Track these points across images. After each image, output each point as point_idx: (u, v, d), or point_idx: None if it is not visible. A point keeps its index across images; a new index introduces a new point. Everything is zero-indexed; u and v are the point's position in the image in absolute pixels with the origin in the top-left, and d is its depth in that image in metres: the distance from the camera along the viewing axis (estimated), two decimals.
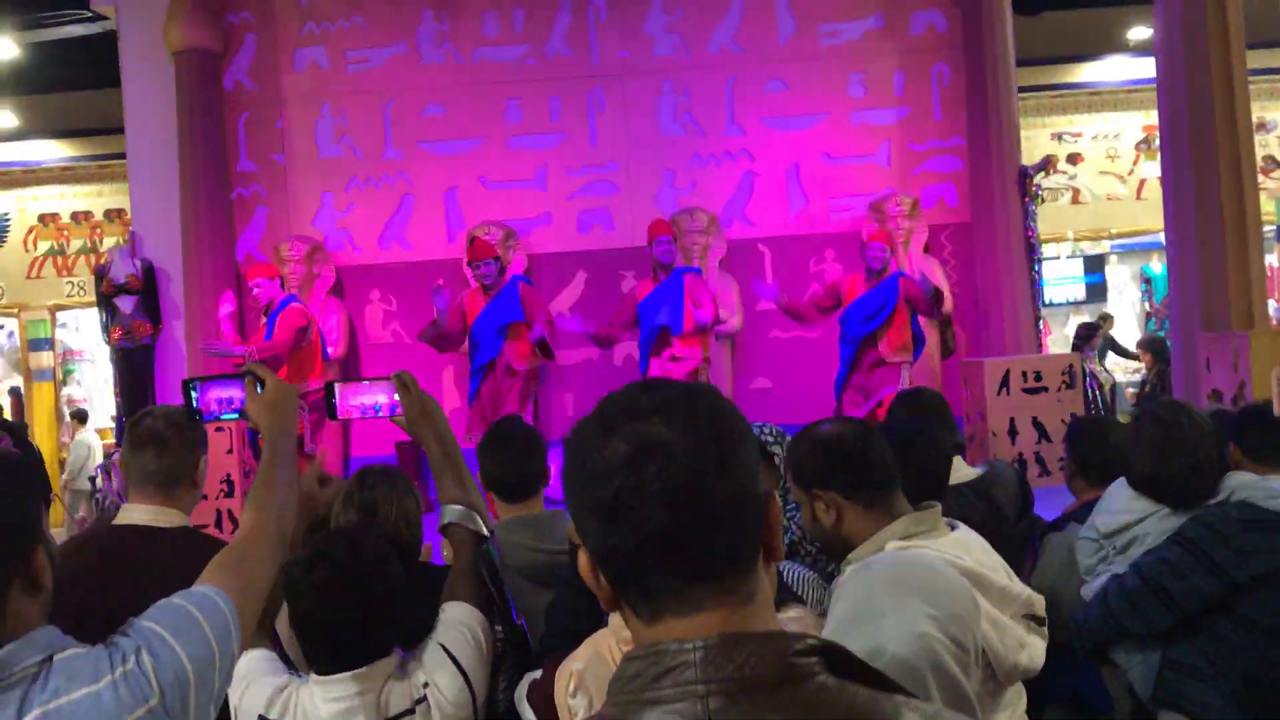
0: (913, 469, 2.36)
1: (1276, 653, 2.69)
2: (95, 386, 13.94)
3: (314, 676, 2.07)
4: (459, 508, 2.39)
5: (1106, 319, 13.00)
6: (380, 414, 2.47)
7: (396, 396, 2.43)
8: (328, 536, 2.27)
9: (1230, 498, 2.85)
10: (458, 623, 2.22)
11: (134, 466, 2.69)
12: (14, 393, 13.66)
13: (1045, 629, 2.10)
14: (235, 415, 2.28)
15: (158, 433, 2.65)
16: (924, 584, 1.77)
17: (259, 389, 2.19)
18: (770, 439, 3.28)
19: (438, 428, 2.44)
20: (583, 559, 1.12)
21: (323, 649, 2.08)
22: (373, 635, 2.11)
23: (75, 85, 12.72)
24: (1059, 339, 13.63)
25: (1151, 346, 9.96)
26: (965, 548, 2.08)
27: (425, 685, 2.10)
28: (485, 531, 2.40)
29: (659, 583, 1.06)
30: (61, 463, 12.52)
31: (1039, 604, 2.09)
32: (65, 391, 13.71)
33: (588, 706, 1.95)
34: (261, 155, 9.66)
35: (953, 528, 2.17)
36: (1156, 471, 2.88)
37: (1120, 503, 2.98)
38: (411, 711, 2.08)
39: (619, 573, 1.09)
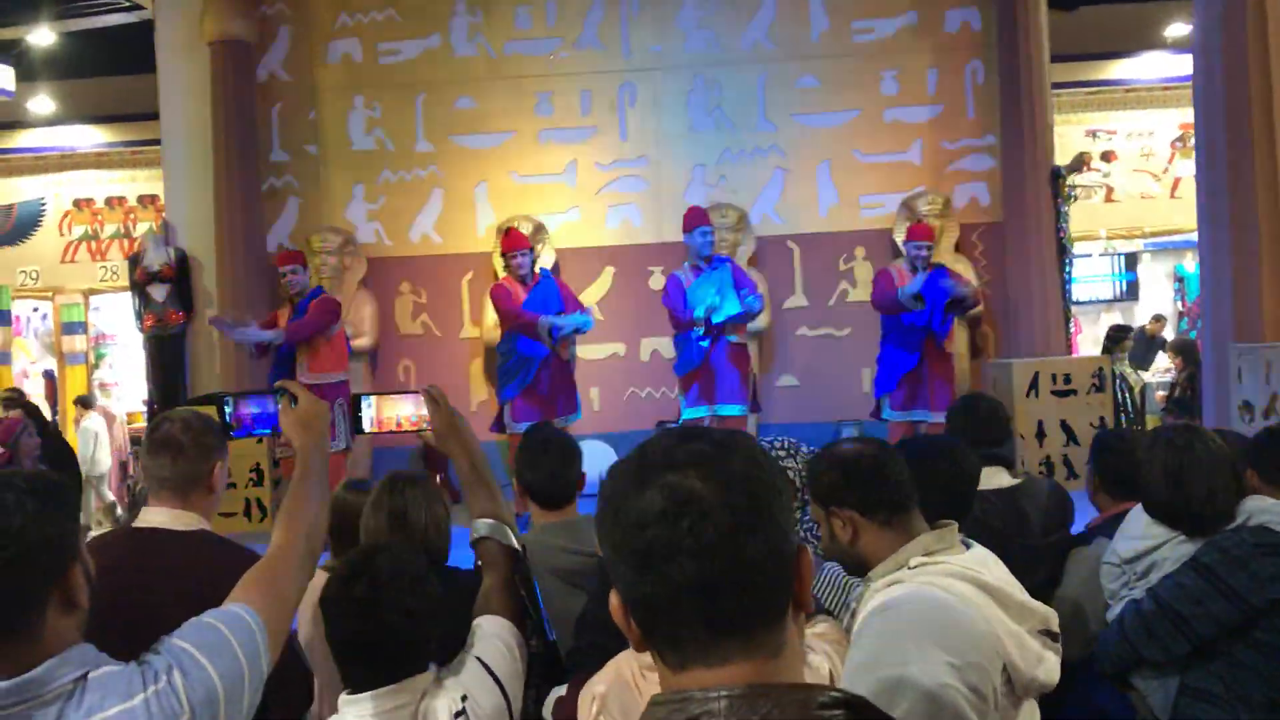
0: (933, 487, 2.36)
1: None
2: (127, 370, 14.05)
3: (344, 697, 2.07)
4: (491, 521, 2.40)
5: (1159, 319, 12.90)
6: (409, 427, 2.47)
7: (424, 410, 2.43)
8: (366, 551, 2.27)
9: (1247, 522, 2.84)
10: (494, 636, 2.23)
11: (151, 471, 2.72)
12: (47, 375, 13.80)
13: (1059, 644, 2.10)
14: (268, 430, 2.32)
15: (173, 438, 2.67)
16: (945, 632, 1.77)
17: (292, 405, 2.23)
18: (783, 453, 3.29)
19: (467, 443, 2.45)
20: (614, 600, 1.13)
21: (361, 666, 2.08)
22: (411, 651, 2.11)
23: (111, 71, 12.81)
24: (1090, 338, 13.52)
25: (1182, 349, 9.89)
26: (983, 563, 2.09)
27: (464, 699, 2.10)
28: (517, 545, 2.40)
29: (688, 635, 1.08)
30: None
31: (1054, 620, 2.09)
32: (97, 375, 13.84)
33: None
34: (294, 146, 9.72)
35: (967, 546, 2.16)
36: (1172, 499, 2.87)
37: (1139, 529, 2.97)
38: None
39: (648, 621, 1.10)
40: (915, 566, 2.08)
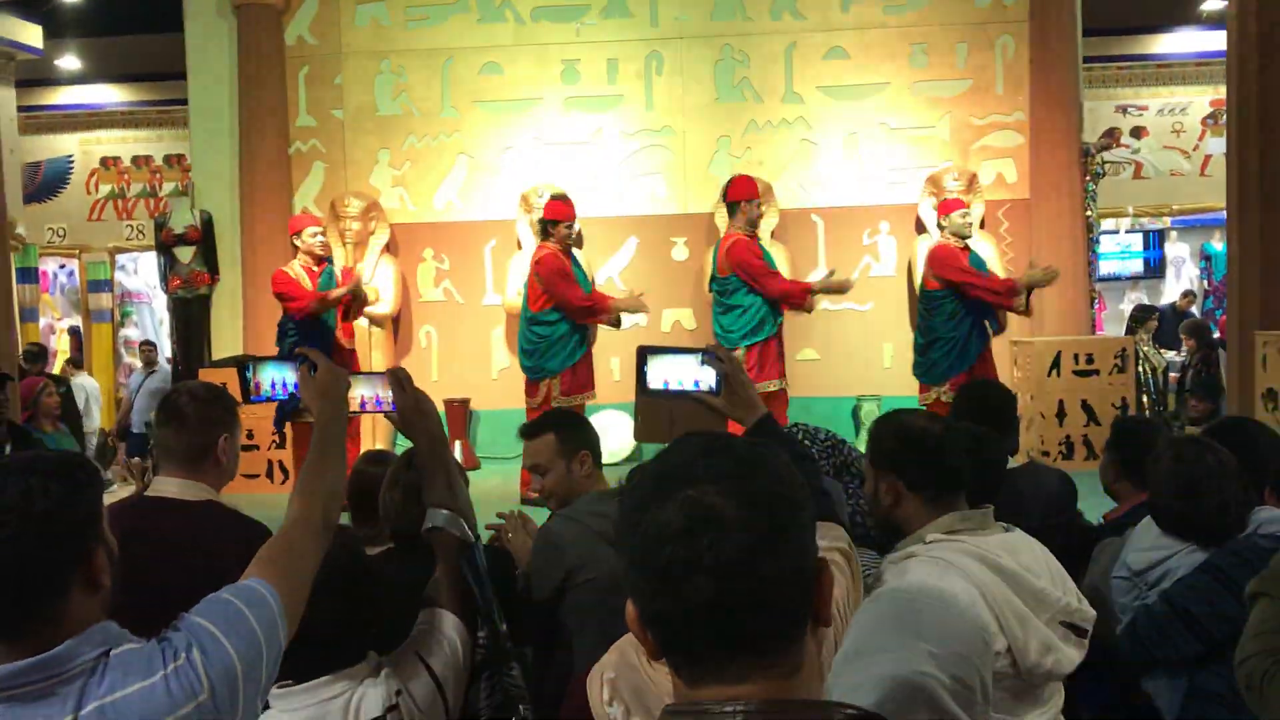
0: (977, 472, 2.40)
1: None
2: (152, 329, 14.18)
3: (275, 690, 2.00)
4: (445, 512, 2.33)
5: (1189, 295, 12.81)
6: (373, 408, 2.42)
7: (389, 392, 2.38)
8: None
9: (1258, 530, 2.87)
10: (435, 630, 2.21)
11: (160, 441, 2.77)
12: (73, 332, 13.93)
13: (1085, 639, 2.11)
14: (288, 397, 2.32)
15: (180, 409, 2.70)
16: (929, 621, 1.76)
17: (312, 373, 2.23)
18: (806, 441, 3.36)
19: (430, 428, 2.39)
20: (630, 611, 1.12)
21: (299, 655, 2.01)
22: (350, 641, 2.11)
23: (138, 29, 12.83)
24: (1114, 315, 13.45)
25: (1195, 331, 9.82)
26: (1012, 549, 2.12)
27: (398, 693, 2.09)
28: (471, 538, 2.33)
29: (704, 652, 1.07)
30: (118, 402, 12.79)
31: (1081, 615, 2.11)
32: (123, 333, 13.96)
33: (625, 714, 1.98)
34: (320, 110, 9.72)
35: (1008, 530, 2.21)
36: (1185, 511, 2.90)
37: (1149, 540, 3.00)
38: (383, 718, 2.07)
39: (665, 636, 1.09)
40: (930, 542, 2.12)
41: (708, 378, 2.20)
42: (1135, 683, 3.00)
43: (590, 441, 3.18)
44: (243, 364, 2.40)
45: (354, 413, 2.41)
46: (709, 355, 2.21)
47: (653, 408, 2.27)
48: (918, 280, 8.98)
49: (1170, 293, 13.69)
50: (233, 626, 1.65)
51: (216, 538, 2.56)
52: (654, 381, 2.21)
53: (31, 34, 12.01)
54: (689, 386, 2.20)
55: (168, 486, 2.68)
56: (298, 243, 7.68)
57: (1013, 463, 3.66)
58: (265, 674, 1.69)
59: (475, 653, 2.30)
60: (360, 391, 2.43)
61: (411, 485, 3.03)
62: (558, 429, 3.18)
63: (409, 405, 2.37)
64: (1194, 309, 12.75)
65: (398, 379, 2.37)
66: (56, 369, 13.10)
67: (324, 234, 7.86)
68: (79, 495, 1.59)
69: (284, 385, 2.36)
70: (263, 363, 2.39)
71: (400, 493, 3.03)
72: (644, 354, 2.22)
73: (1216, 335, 10.95)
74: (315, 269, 7.60)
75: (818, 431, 3.40)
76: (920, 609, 1.81)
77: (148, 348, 11.91)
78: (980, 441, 2.84)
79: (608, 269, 9.40)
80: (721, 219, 9.03)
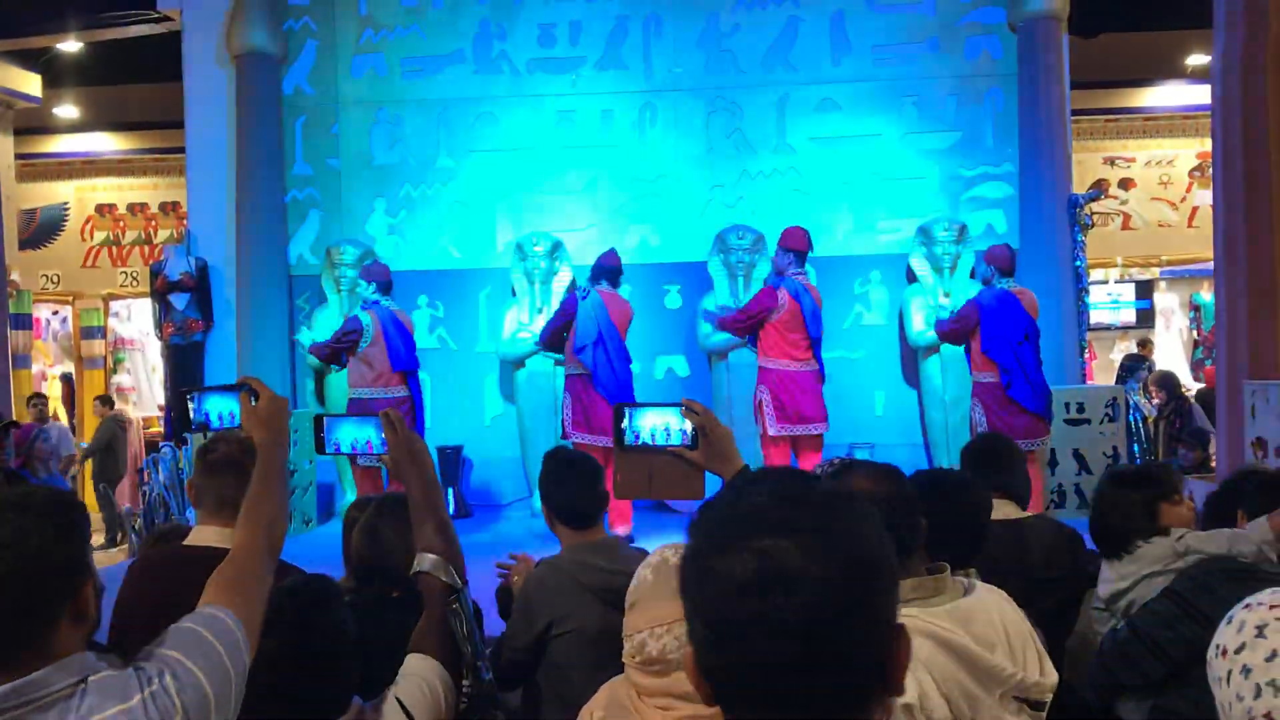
0: (945, 523, 2.36)
1: None
2: (143, 375, 14.17)
3: None
4: (433, 557, 2.30)
5: (1146, 344, 12.86)
6: (366, 450, 2.45)
7: (383, 435, 2.39)
8: (286, 591, 2.28)
9: (1186, 551, 3.04)
10: (418, 676, 2.19)
11: (210, 491, 2.78)
12: (65, 379, 13.92)
13: (1041, 713, 2.02)
14: (232, 425, 2.31)
15: (234, 459, 2.74)
16: None
17: (252, 401, 2.25)
18: None
19: (422, 471, 2.37)
20: (688, 657, 1.07)
21: (277, 701, 2.02)
22: (332, 692, 2.10)
23: (135, 79, 12.95)
24: (1103, 364, 13.52)
25: (1163, 382, 9.89)
26: (965, 617, 2.02)
27: None
28: (458, 584, 2.31)
29: (767, 712, 1.01)
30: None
31: (1039, 689, 2.00)
32: (114, 379, 13.95)
33: None
34: (317, 159, 9.80)
35: (968, 591, 2.11)
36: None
37: (1108, 571, 3.15)
38: None
39: (723, 692, 1.04)
40: None
41: (682, 430, 2.20)
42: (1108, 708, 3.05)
43: None
44: (183, 395, 2.38)
45: (345, 455, 2.44)
46: (684, 408, 2.20)
47: (632, 462, 2.25)
48: (910, 329, 9.06)
49: (1161, 343, 13.77)
50: (200, 653, 1.70)
51: None
52: (632, 436, 2.22)
53: (30, 83, 12.12)
54: (669, 440, 2.20)
55: (213, 535, 2.68)
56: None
57: (1018, 511, 3.69)
58: (235, 695, 1.73)
59: (459, 701, 2.27)
60: (353, 434, 2.44)
61: (372, 530, 3.03)
62: None
63: (400, 449, 2.36)
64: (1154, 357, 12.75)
65: (390, 421, 2.37)
66: (84, 411, 13.09)
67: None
68: (71, 532, 1.64)
69: (230, 415, 2.34)
70: (206, 393, 2.38)
71: (364, 537, 3.03)
72: (621, 410, 2.23)
73: (1204, 385, 11.02)
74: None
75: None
76: None
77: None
78: (962, 487, 2.85)
79: None
80: (716, 269, 9.12)
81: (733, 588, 0.99)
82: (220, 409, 2.35)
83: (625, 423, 2.22)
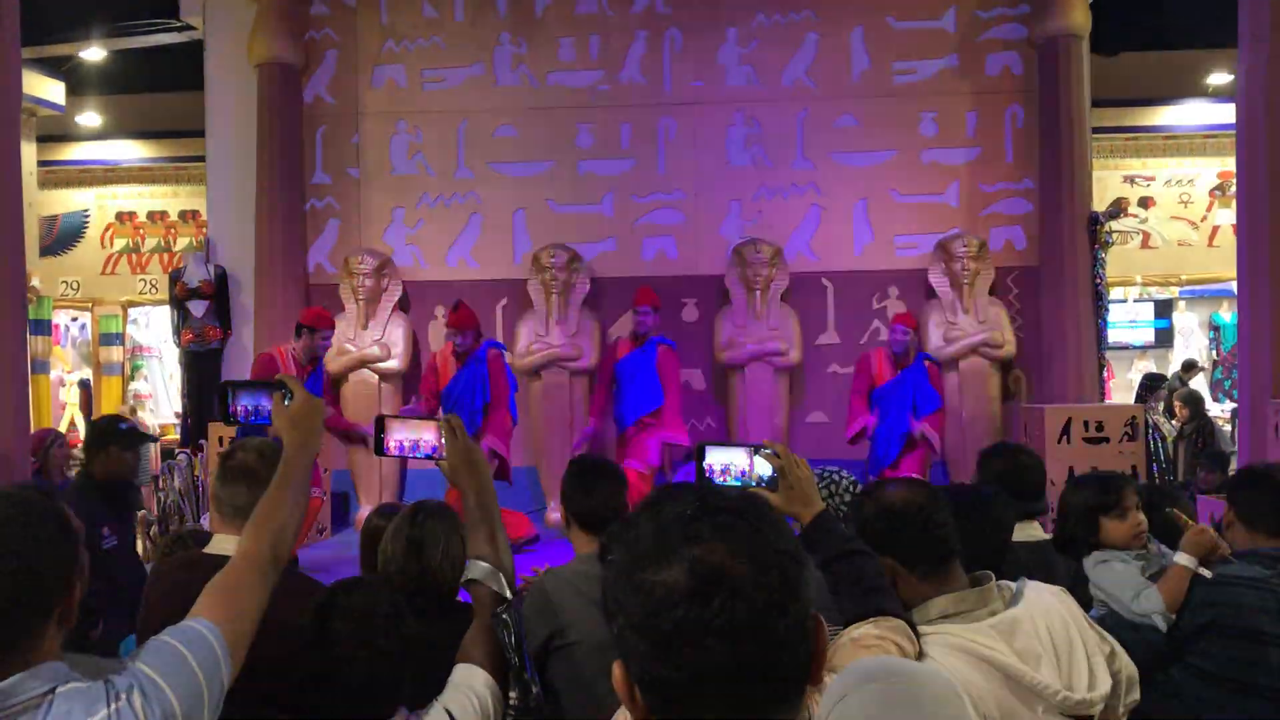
0: (968, 537, 2.35)
1: (1223, 699, 2.91)
2: (161, 383, 14.22)
3: None
4: (486, 565, 2.30)
5: (1192, 366, 12.76)
6: (422, 454, 2.43)
7: (442, 439, 2.39)
8: (337, 589, 2.25)
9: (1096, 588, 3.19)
10: (465, 686, 2.18)
11: (225, 499, 2.76)
12: (83, 385, 13.96)
13: None
14: (266, 422, 2.31)
15: (249, 467, 2.71)
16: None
17: (286, 401, 2.23)
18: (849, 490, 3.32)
19: (479, 479, 2.37)
20: (618, 673, 1.08)
21: (330, 705, 2.06)
22: (380, 693, 2.11)
23: (157, 87, 13.02)
24: (1122, 383, 13.45)
25: (1189, 400, 9.81)
26: (1009, 630, 2.01)
27: None
28: (509, 594, 2.31)
29: (707, 714, 1.03)
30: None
31: (1088, 705, 1.98)
32: (132, 386, 13.98)
33: None
34: (336, 168, 9.84)
35: (1015, 599, 2.10)
36: None
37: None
38: None
39: (661, 702, 1.05)
40: (923, 635, 2.02)
41: (763, 472, 2.22)
42: None
43: None
44: (223, 387, 2.41)
45: (408, 457, 2.43)
46: (764, 450, 2.23)
47: None
48: (927, 345, 9.02)
49: (1178, 363, 13.65)
50: (173, 671, 1.69)
51: (283, 596, 2.55)
52: (711, 474, 2.25)
53: (54, 91, 12.19)
54: (747, 480, 2.23)
55: (229, 544, 2.67)
56: (306, 335, 7.31)
57: (1042, 532, 3.65)
58: (208, 713, 1.72)
59: (507, 712, 2.25)
60: (412, 436, 2.43)
61: (414, 541, 3.01)
62: None
63: (459, 455, 2.36)
64: (1198, 381, 12.69)
65: (450, 427, 2.37)
66: (65, 425, 13.14)
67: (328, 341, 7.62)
68: (63, 537, 1.66)
69: (259, 410, 2.35)
70: (243, 388, 2.40)
71: (402, 547, 3.01)
72: (702, 448, 2.26)
73: (1228, 405, 10.94)
74: (306, 367, 7.39)
75: (836, 476, 3.31)
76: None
77: None
78: (985, 502, 2.83)
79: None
80: (733, 283, 9.12)
81: (674, 596, 1.01)
82: (250, 405, 2.37)
83: (703, 460, 2.24)
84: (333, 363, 8.87)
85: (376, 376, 9.24)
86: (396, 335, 9.38)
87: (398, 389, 9.41)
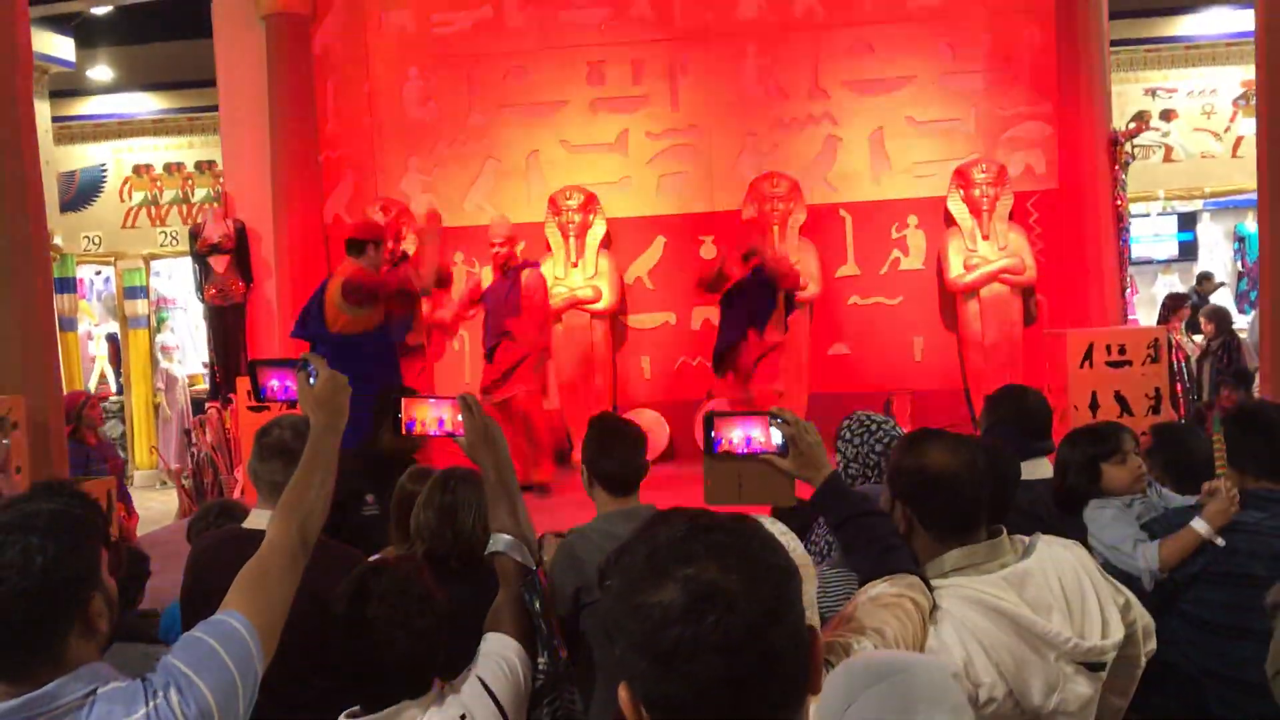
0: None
1: (1220, 644, 2.94)
2: (187, 333, 14.33)
3: (344, 718, 2.11)
4: (509, 538, 2.34)
5: (1208, 279, 12.67)
6: (441, 431, 2.44)
7: (460, 417, 2.40)
8: (367, 572, 2.29)
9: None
10: (497, 655, 2.23)
11: (262, 476, 2.84)
12: (111, 339, 14.11)
13: (1100, 673, 2.05)
14: (293, 401, 2.34)
15: (285, 444, 2.79)
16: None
17: (311, 381, 2.26)
18: (846, 434, 3.38)
19: (497, 454, 2.40)
20: (623, 694, 1.11)
21: (372, 687, 2.11)
22: (420, 671, 2.16)
23: (167, 37, 12.95)
24: (1146, 298, 13.35)
25: (1215, 317, 9.74)
26: (1020, 581, 2.04)
27: (462, 717, 2.12)
28: (533, 564, 2.35)
29: None
30: (156, 407, 12.96)
31: (1099, 652, 2.02)
32: (159, 338, 14.10)
33: None
34: (350, 118, 9.82)
35: (1027, 552, 2.13)
36: None
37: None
38: None
39: (668, 718, 1.08)
40: (936, 588, 2.05)
41: (773, 439, 2.23)
42: None
43: None
44: (252, 365, 2.45)
45: (422, 436, 2.46)
46: (776, 418, 2.24)
47: (722, 470, 2.28)
48: (948, 273, 9.00)
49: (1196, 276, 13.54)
50: (206, 665, 1.75)
51: (320, 569, 2.61)
52: (721, 444, 2.25)
53: (63, 47, 12.17)
54: (756, 449, 2.24)
55: (264, 519, 2.74)
56: (359, 251, 6.93)
57: (1052, 468, 3.69)
58: (243, 704, 1.78)
59: (536, 678, 2.31)
60: (429, 414, 2.47)
61: (446, 507, 3.08)
62: None
63: (476, 431, 2.38)
64: (1217, 294, 12.61)
65: (467, 404, 2.39)
66: (95, 378, 13.31)
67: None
68: (77, 549, 1.70)
69: (286, 389, 2.38)
70: (270, 365, 2.43)
71: (435, 514, 3.08)
72: (711, 418, 2.26)
73: (1254, 314, 10.84)
74: (386, 274, 7.12)
75: (875, 426, 3.35)
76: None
77: None
78: (993, 458, 2.87)
79: (636, 268, 9.45)
80: (750, 217, 9.09)
81: (670, 615, 1.04)
82: (277, 383, 2.40)
83: (715, 431, 2.25)
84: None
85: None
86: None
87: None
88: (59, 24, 11.80)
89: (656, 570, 1.08)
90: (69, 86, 13.49)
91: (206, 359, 11.15)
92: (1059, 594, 2.06)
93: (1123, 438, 3.46)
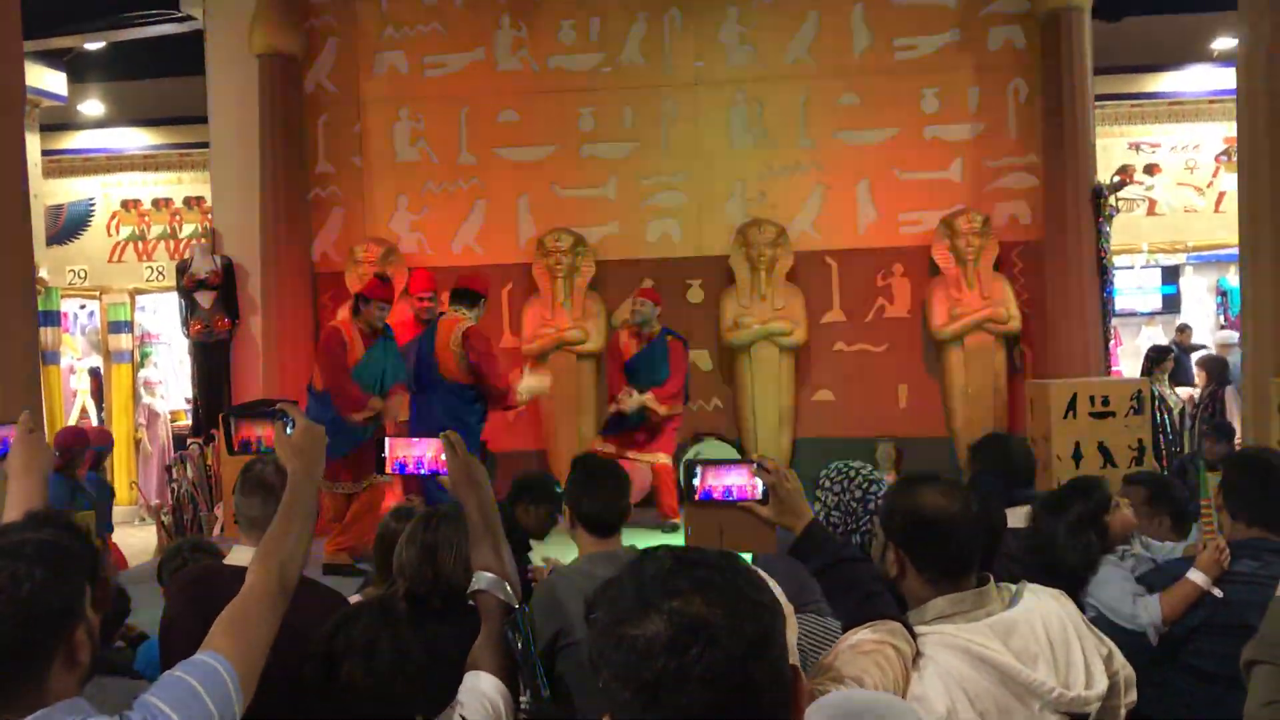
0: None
1: (1218, 695, 2.94)
2: (170, 369, 14.27)
3: None
4: (491, 576, 2.35)
5: (1184, 330, 12.77)
6: (424, 470, 2.46)
7: (443, 456, 2.42)
8: (340, 624, 2.30)
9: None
10: (480, 694, 2.22)
11: (243, 511, 2.83)
12: (94, 373, 14.04)
13: None
14: (269, 450, 2.34)
15: (266, 479, 2.78)
16: None
17: (287, 430, 2.27)
18: (826, 482, 3.36)
19: (480, 493, 2.41)
20: None
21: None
22: (399, 711, 2.17)
23: (159, 73, 13.00)
24: (1129, 350, 13.42)
25: (1209, 365, 9.80)
26: (1006, 630, 2.04)
27: None
28: (515, 603, 2.36)
29: None
30: (137, 442, 12.88)
31: (1082, 703, 2.02)
32: (142, 373, 14.04)
33: None
34: (339, 157, 9.85)
35: (1013, 601, 2.14)
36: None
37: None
38: None
39: None
40: (920, 635, 2.05)
41: (754, 487, 2.25)
42: None
43: None
44: (225, 415, 2.45)
45: (410, 474, 2.47)
46: (757, 466, 2.25)
47: (703, 516, 2.29)
48: (933, 321, 9.05)
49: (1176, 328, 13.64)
50: (185, 706, 1.73)
51: (300, 607, 2.60)
52: (702, 492, 2.27)
53: (55, 82, 12.20)
54: (737, 496, 2.25)
55: (247, 556, 2.73)
56: (364, 306, 7.17)
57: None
58: None
59: (518, 716, 2.31)
60: (414, 454, 2.47)
61: (428, 545, 3.07)
62: None
63: (460, 470, 2.40)
64: (1196, 342, 12.72)
65: (450, 443, 2.40)
66: (76, 412, 13.22)
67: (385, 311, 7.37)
68: (63, 579, 1.70)
69: (261, 440, 2.38)
70: (243, 417, 2.42)
71: (417, 552, 3.07)
72: (692, 467, 2.27)
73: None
74: (369, 338, 7.24)
75: (853, 473, 3.32)
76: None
77: None
78: (984, 508, 2.86)
79: (623, 311, 9.47)
80: (738, 263, 9.14)
81: (656, 648, 1.06)
82: (254, 435, 2.39)
83: (697, 479, 2.27)
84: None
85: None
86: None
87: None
88: (52, 59, 11.85)
89: (642, 603, 1.09)
90: (60, 120, 13.51)
91: (189, 395, 11.10)
92: (1044, 643, 2.06)
93: (1104, 485, 3.47)
